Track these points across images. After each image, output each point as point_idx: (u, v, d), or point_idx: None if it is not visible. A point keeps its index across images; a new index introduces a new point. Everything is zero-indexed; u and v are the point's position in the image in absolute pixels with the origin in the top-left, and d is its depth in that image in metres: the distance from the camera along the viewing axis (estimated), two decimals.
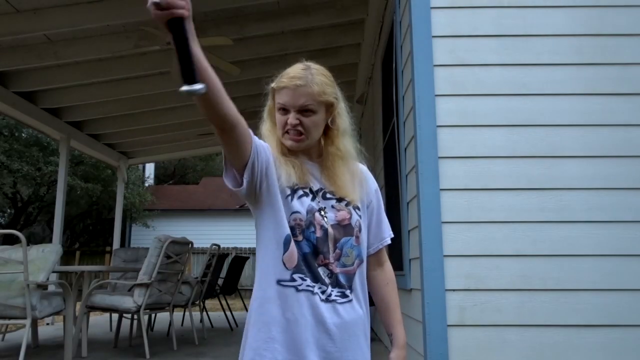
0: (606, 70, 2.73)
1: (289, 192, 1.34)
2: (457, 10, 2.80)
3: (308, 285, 1.29)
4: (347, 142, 1.45)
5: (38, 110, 6.39)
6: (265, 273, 1.32)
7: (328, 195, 1.39)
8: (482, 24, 2.79)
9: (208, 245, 6.13)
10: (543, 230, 2.58)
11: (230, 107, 1.22)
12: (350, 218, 1.38)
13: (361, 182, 1.48)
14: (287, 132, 1.37)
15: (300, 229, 1.32)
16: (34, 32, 4.82)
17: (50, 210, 15.24)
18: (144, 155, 9.29)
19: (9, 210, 17.02)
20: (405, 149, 3.20)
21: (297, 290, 1.29)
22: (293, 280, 1.29)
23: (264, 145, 1.35)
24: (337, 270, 1.33)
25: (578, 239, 2.57)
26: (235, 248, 14.95)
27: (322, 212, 1.36)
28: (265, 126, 1.46)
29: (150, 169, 20.46)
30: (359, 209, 1.41)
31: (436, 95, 2.70)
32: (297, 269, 1.30)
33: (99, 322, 7.01)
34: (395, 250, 3.67)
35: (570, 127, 2.68)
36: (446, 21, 2.78)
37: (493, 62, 2.75)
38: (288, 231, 1.31)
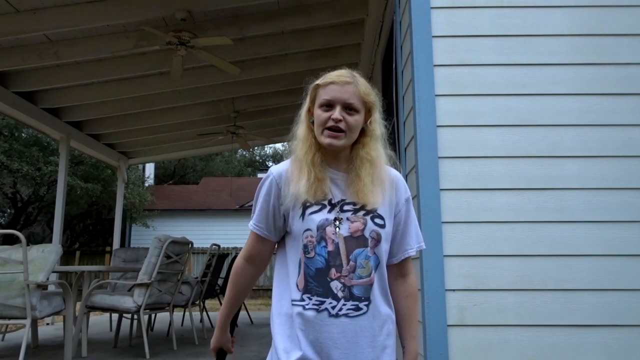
0: (606, 70, 2.73)
1: (300, 212, 1.38)
2: (457, 10, 2.80)
3: (314, 304, 1.33)
4: (379, 147, 1.45)
5: (38, 110, 6.39)
6: (284, 292, 1.39)
7: (346, 207, 1.38)
8: (482, 24, 2.79)
9: (208, 245, 6.14)
10: (543, 230, 2.58)
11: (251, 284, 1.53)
12: (364, 229, 1.37)
13: (391, 187, 1.46)
14: (327, 128, 1.37)
15: (312, 246, 1.35)
16: (34, 32, 4.82)
17: (50, 210, 15.25)
18: (144, 155, 9.29)
19: (9, 210, 17.02)
20: (405, 149, 3.21)
21: (305, 309, 1.34)
22: (302, 300, 1.34)
23: (272, 202, 1.42)
24: (353, 282, 1.33)
25: (578, 239, 2.57)
26: (235, 248, 14.94)
27: (336, 224, 1.36)
28: (301, 130, 1.45)
29: (150, 169, 20.46)
30: (380, 217, 1.40)
31: (436, 95, 2.70)
32: (305, 290, 1.35)
33: (99, 322, 7.01)
34: None
35: (570, 127, 2.68)
36: (446, 21, 2.78)
37: (493, 62, 2.75)
38: (300, 255, 1.37)
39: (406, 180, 3.18)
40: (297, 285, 1.35)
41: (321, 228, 1.35)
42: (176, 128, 7.75)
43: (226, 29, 5.00)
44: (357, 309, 1.33)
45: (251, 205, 1.52)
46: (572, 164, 2.64)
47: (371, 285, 1.35)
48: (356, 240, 1.35)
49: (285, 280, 1.39)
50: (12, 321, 3.82)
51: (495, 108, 2.70)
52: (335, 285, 1.33)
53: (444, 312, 2.49)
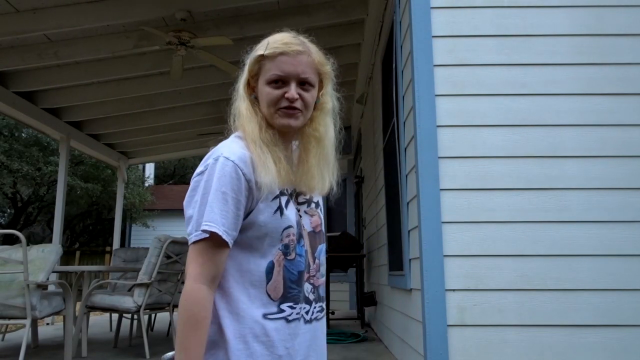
0: (606, 70, 2.73)
1: (275, 206, 1.13)
2: (457, 10, 2.80)
3: (297, 313, 1.14)
4: (328, 122, 1.23)
5: (38, 110, 6.39)
6: (247, 307, 1.10)
7: (300, 198, 1.21)
8: (482, 24, 2.79)
9: None
10: (543, 230, 2.58)
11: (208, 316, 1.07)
12: (321, 223, 1.24)
13: (335, 170, 1.26)
14: (281, 108, 1.15)
15: (293, 245, 1.15)
16: (34, 32, 4.82)
17: (50, 210, 15.25)
18: (144, 155, 9.29)
19: (9, 210, 17.01)
20: (405, 149, 3.21)
21: (288, 321, 1.13)
22: (282, 311, 1.12)
23: (241, 195, 1.10)
24: (319, 282, 1.21)
25: (578, 239, 2.57)
26: None
27: (302, 218, 1.20)
28: (244, 105, 1.19)
29: (150, 169, 20.45)
30: (320, 207, 1.26)
31: (436, 95, 2.70)
32: (284, 298, 1.13)
33: (99, 322, 7.01)
34: (395, 250, 3.68)
35: (570, 127, 2.68)
36: (446, 21, 2.78)
37: (493, 62, 2.75)
38: (272, 258, 1.12)
39: (406, 181, 3.19)
40: (269, 295, 1.11)
41: (298, 224, 1.17)
42: (176, 128, 7.75)
43: (226, 29, 5.00)
44: (322, 309, 1.22)
45: None
46: (572, 164, 2.64)
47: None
48: (318, 235, 1.22)
49: (246, 290, 1.10)
50: (12, 321, 3.82)
51: (495, 108, 2.70)
52: (307, 288, 1.17)
53: (444, 312, 2.49)
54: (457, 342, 2.47)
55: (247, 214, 1.11)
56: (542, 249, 2.56)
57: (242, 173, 1.09)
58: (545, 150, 2.65)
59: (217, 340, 1.09)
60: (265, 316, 1.10)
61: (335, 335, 5.02)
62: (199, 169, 1.14)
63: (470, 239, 2.57)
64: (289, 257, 1.14)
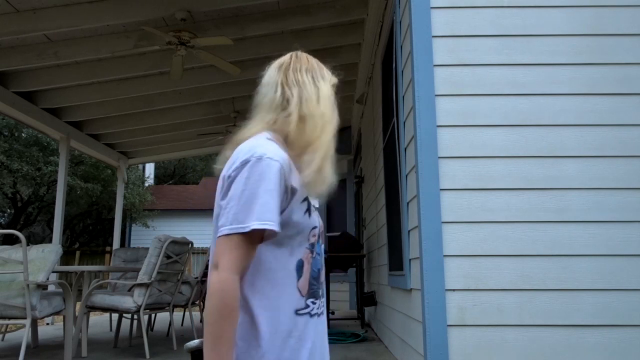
0: (606, 70, 2.73)
1: (305, 206, 1.21)
2: (457, 10, 2.80)
3: (318, 307, 1.22)
4: None
5: (38, 110, 6.39)
6: (279, 304, 1.16)
7: (312, 201, 1.29)
8: (482, 24, 2.79)
9: (208, 245, 6.13)
10: (543, 230, 2.58)
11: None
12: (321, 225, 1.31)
13: None
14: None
15: (315, 245, 1.24)
16: (34, 32, 4.82)
17: (50, 210, 15.26)
18: (144, 155, 9.29)
19: (9, 210, 17.01)
20: (405, 149, 3.20)
21: (311, 316, 1.20)
22: (307, 306, 1.20)
23: (280, 187, 1.16)
24: (323, 279, 1.27)
25: (578, 239, 2.57)
26: None
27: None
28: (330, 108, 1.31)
29: (150, 169, 20.46)
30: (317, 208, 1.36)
31: (436, 95, 2.70)
32: (309, 294, 1.21)
33: (99, 322, 7.01)
34: (395, 250, 3.67)
35: (570, 127, 2.68)
36: (446, 21, 2.79)
37: (493, 62, 2.75)
38: (301, 256, 1.20)
39: (406, 181, 3.19)
40: (300, 291, 1.18)
41: (319, 225, 1.26)
42: (176, 128, 7.75)
43: (226, 29, 5.00)
44: (324, 304, 1.29)
45: None
46: (572, 164, 2.64)
47: None
48: (321, 236, 1.29)
49: (276, 287, 1.16)
50: (12, 321, 3.82)
51: (495, 108, 2.70)
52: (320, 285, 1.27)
53: (444, 312, 2.49)
54: (457, 342, 2.47)
55: (281, 213, 1.17)
56: (542, 249, 2.56)
57: (284, 174, 1.16)
58: (545, 150, 2.65)
59: (250, 335, 1.13)
60: (297, 312, 1.17)
61: (335, 335, 5.02)
62: (235, 164, 1.16)
63: (470, 239, 2.57)
64: (313, 256, 1.22)
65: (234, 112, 7.16)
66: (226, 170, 1.19)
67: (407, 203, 3.14)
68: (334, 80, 1.34)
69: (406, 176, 3.19)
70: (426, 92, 2.69)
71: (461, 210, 2.60)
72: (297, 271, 1.19)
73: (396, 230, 3.62)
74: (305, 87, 1.28)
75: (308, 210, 1.22)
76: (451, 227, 2.58)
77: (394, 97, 3.61)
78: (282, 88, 1.28)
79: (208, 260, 5.91)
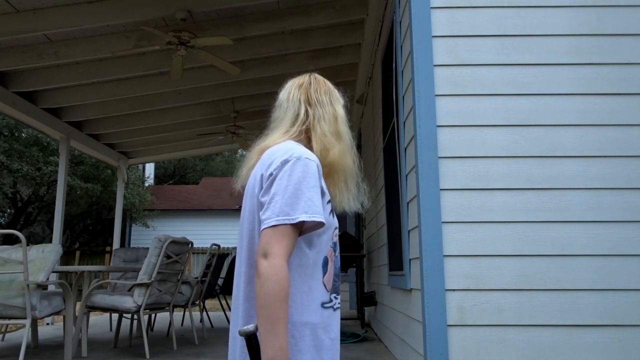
0: (605, 70, 2.73)
1: (330, 207, 1.33)
2: (457, 10, 2.80)
3: (339, 302, 1.32)
4: None
5: (38, 110, 6.39)
6: (310, 297, 1.26)
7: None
8: (482, 24, 2.79)
9: (208, 245, 6.13)
10: (543, 230, 2.58)
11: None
12: None
13: None
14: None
15: (337, 244, 1.34)
16: (34, 32, 4.82)
17: (50, 210, 15.26)
18: (144, 155, 9.29)
19: (9, 210, 17.01)
20: (405, 149, 3.20)
21: (334, 309, 1.31)
22: (331, 300, 1.30)
23: (319, 182, 1.28)
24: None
25: (578, 239, 2.57)
26: (235, 248, 14.94)
27: None
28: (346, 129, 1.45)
29: (150, 169, 20.46)
30: None
31: (436, 95, 2.70)
32: (333, 289, 1.31)
33: (99, 322, 7.01)
34: (395, 250, 3.68)
35: (570, 127, 2.68)
36: (446, 21, 2.79)
37: (493, 62, 2.75)
38: (325, 253, 1.30)
39: (406, 181, 3.19)
40: (325, 286, 1.29)
41: (338, 226, 1.37)
42: (176, 128, 7.75)
43: (226, 29, 5.00)
44: (340, 300, 1.40)
45: None
46: (572, 164, 2.64)
47: None
48: None
49: (307, 282, 1.26)
50: (12, 321, 3.82)
51: (495, 108, 2.70)
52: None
53: (444, 312, 2.49)
54: (457, 342, 2.47)
55: None
56: (542, 249, 2.56)
57: (320, 172, 1.29)
58: (545, 150, 2.65)
59: None
60: (323, 305, 1.27)
61: None
62: (275, 164, 1.26)
63: (470, 239, 2.57)
64: (336, 254, 1.33)
65: (234, 112, 7.15)
66: (264, 170, 1.27)
67: (407, 203, 3.14)
68: (343, 101, 1.48)
69: (406, 176, 3.19)
70: (426, 92, 2.69)
71: (461, 210, 2.60)
72: (323, 267, 1.28)
73: (396, 230, 3.62)
74: (324, 106, 1.41)
75: (332, 211, 1.33)
76: (451, 227, 2.58)
77: (394, 97, 3.61)
78: (304, 105, 1.41)
79: (209, 260, 5.91)
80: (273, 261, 1.15)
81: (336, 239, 1.34)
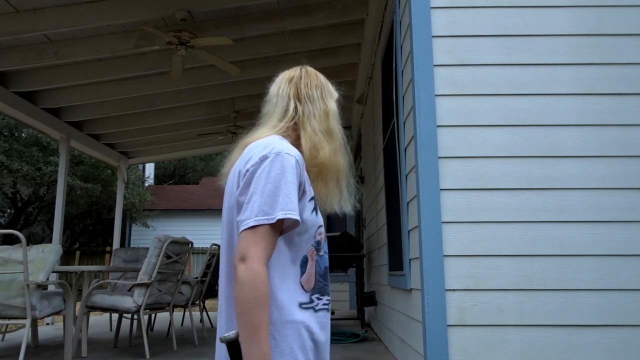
0: (606, 70, 2.73)
1: (312, 205, 1.27)
2: (457, 10, 2.80)
3: (324, 304, 1.27)
4: None
5: (38, 110, 6.39)
6: (289, 297, 1.20)
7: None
8: (482, 24, 2.79)
9: (208, 245, 6.13)
10: (543, 230, 2.58)
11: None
12: None
13: None
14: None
15: (322, 243, 1.29)
16: (34, 32, 4.82)
17: (50, 210, 15.26)
18: (144, 155, 9.29)
19: (9, 210, 17.01)
20: (405, 149, 3.20)
21: (315, 311, 1.24)
22: (311, 301, 1.24)
23: (297, 177, 1.22)
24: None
25: (578, 239, 2.57)
26: None
27: None
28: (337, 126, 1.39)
29: (150, 169, 20.46)
30: None
31: (436, 95, 2.70)
32: (314, 290, 1.25)
33: (99, 322, 7.01)
34: (395, 250, 3.68)
35: (570, 127, 2.68)
36: (446, 21, 2.79)
37: (493, 62, 2.75)
38: (305, 252, 1.25)
39: (406, 181, 3.19)
40: (302, 286, 1.23)
41: (324, 225, 1.32)
42: (176, 128, 7.75)
43: (226, 29, 5.00)
44: (329, 301, 1.33)
45: None
46: (572, 164, 2.64)
47: None
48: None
49: (286, 281, 1.21)
50: (12, 321, 3.82)
51: (495, 108, 2.70)
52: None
53: (444, 312, 2.49)
54: (457, 342, 2.47)
55: None
56: (542, 249, 2.56)
57: (300, 169, 1.23)
58: (545, 150, 2.65)
59: None
60: (301, 305, 1.21)
61: (335, 335, 5.01)
62: (253, 160, 1.22)
63: (470, 239, 2.57)
64: (319, 253, 1.27)
65: (234, 112, 7.16)
66: (242, 165, 1.23)
67: (407, 203, 3.14)
68: (336, 95, 1.42)
69: (406, 176, 3.19)
70: (426, 92, 2.69)
71: (461, 210, 2.60)
72: (301, 267, 1.23)
73: (396, 230, 3.62)
74: (315, 102, 1.36)
75: (315, 208, 1.26)
76: (451, 227, 2.58)
77: (394, 97, 3.61)
78: (294, 100, 1.36)
79: (209, 260, 5.91)
80: (251, 265, 1.10)
81: (320, 237, 1.27)
